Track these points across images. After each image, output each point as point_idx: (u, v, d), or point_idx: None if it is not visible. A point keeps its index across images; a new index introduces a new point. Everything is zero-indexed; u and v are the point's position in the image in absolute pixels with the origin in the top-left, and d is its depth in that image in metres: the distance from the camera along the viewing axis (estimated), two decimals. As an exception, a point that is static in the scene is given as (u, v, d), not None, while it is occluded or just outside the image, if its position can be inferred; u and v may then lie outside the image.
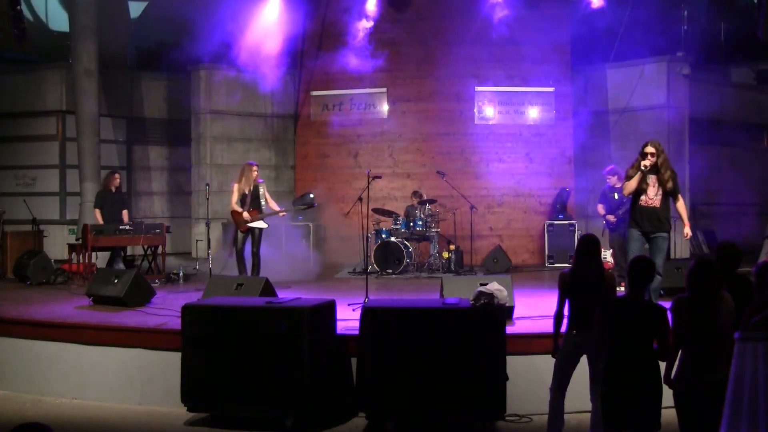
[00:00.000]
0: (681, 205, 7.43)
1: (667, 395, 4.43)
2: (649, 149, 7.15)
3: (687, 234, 7.49)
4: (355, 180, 13.57)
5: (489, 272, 11.49)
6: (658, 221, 7.21)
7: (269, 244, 13.19)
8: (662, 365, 4.46)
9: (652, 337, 4.39)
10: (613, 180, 9.68)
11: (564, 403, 5.22)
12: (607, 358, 4.51)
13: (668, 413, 4.52)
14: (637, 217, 7.23)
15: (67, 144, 14.04)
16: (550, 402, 5.23)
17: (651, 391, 4.34)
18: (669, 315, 4.46)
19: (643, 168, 7.10)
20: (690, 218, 13.56)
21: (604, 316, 4.52)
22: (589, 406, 5.18)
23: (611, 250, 10.23)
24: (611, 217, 9.58)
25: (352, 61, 13.55)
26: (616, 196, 9.61)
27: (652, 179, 7.17)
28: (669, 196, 7.22)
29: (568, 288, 5.18)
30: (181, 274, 11.13)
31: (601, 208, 9.80)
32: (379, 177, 11.43)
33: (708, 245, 13.64)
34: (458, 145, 13.90)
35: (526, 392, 6.06)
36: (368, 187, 9.12)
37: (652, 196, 7.17)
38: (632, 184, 7.17)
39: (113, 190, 11.30)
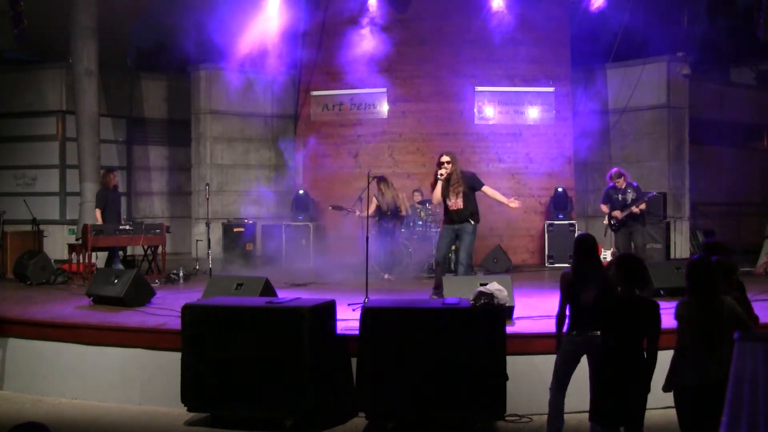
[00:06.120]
0: (488, 190, 8.43)
1: (667, 395, 4.44)
2: (445, 159, 8.19)
3: (515, 204, 8.52)
4: (355, 180, 13.56)
5: (489, 272, 11.50)
6: (463, 218, 8.23)
7: (270, 243, 13.25)
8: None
9: (643, 333, 4.40)
10: (619, 182, 9.69)
11: (564, 402, 5.22)
12: (599, 355, 4.54)
13: (668, 413, 4.53)
14: (447, 216, 8.32)
15: (67, 144, 14.03)
16: (550, 402, 5.23)
17: (640, 388, 4.35)
18: (671, 314, 4.46)
19: (439, 177, 8.12)
20: (689, 218, 13.78)
21: (600, 313, 4.55)
22: (588, 405, 5.17)
23: (612, 249, 10.24)
24: (617, 213, 9.58)
25: (353, 61, 13.55)
26: (620, 197, 9.62)
27: (451, 188, 8.16)
28: (470, 193, 8.22)
29: (569, 288, 5.18)
30: (181, 274, 11.13)
31: (605, 208, 9.81)
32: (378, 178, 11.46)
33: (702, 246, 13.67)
34: (458, 145, 13.87)
35: (526, 392, 6.06)
36: (368, 186, 9.13)
37: (454, 200, 8.18)
38: (437, 193, 8.21)
39: (112, 188, 11.31)
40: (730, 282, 4.63)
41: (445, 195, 8.22)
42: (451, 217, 8.26)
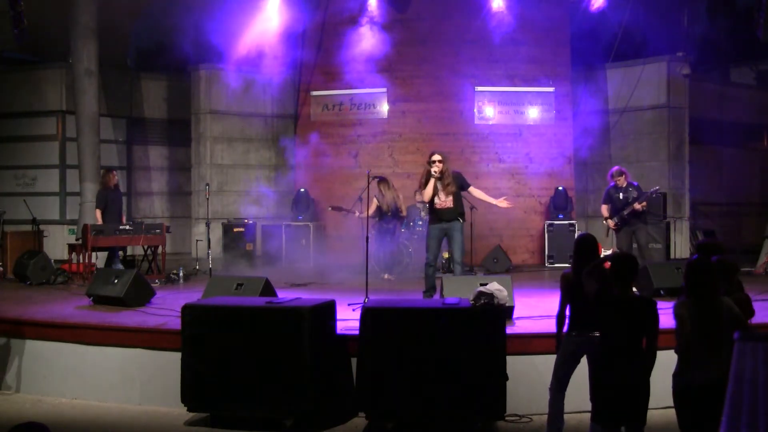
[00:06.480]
0: (475, 191, 8.59)
1: (667, 395, 4.44)
2: (437, 157, 8.25)
3: (505, 204, 8.66)
4: (355, 180, 13.56)
5: (489, 272, 11.50)
6: (453, 217, 8.27)
7: (271, 243, 13.25)
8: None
9: (642, 332, 4.40)
10: (620, 180, 9.70)
11: (564, 403, 5.22)
12: (597, 355, 4.54)
13: (667, 413, 4.52)
14: (435, 215, 8.33)
15: (67, 144, 14.03)
16: (549, 402, 5.23)
17: (640, 386, 4.35)
18: (665, 313, 4.47)
19: (434, 174, 8.17)
20: (689, 218, 13.79)
21: (598, 313, 4.55)
22: (588, 405, 5.17)
23: (612, 249, 10.24)
24: (611, 222, 9.62)
25: (353, 61, 13.55)
26: (621, 196, 9.63)
27: (439, 186, 8.22)
28: (459, 193, 8.35)
29: (569, 288, 5.18)
30: (181, 274, 11.13)
31: (605, 209, 9.81)
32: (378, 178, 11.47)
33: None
34: (458, 145, 13.89)
35: (526, 392, 6.06)
36: (368, 187, 9.13)
37: (444, 199, 8.23)
38: (429, 191, 8.24)
39: (113, 187, 11.31)
40: (732, 282, 4.61)
41: (434, 193, 8.26)
42: (439, 215, 8.28)
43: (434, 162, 8.24)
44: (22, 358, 7.17)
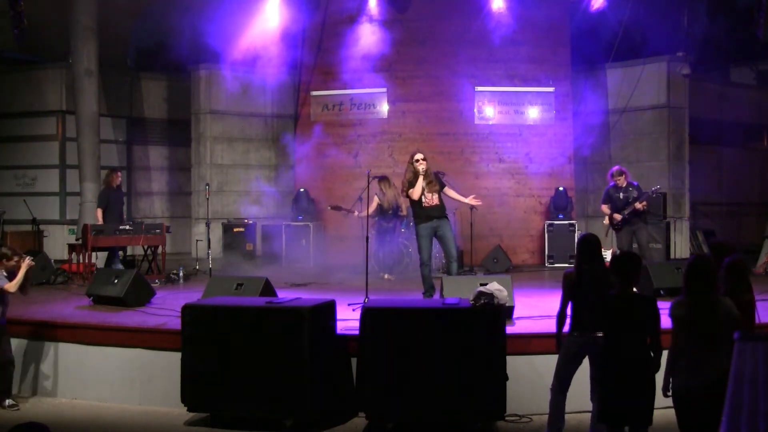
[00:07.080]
0: (449, 191, 8.71)
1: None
2: (420, 156, 8.44)
3: (476, 202, 8.96)
4: (355, 180, 13.55)
5: (489, 272, 11.49)
6: (441, 214, 8.43)
7: (271, 243, 13.25)
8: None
9: (643, 331, 4.40)
10: (620, 180, 9.70)
11: (565, 403, 5.22)
12: (600, 356, 4.54)
13: (668, 413, 4.52)
14: (423, 214, 8.38)
15: (67, 144, 14.02)
16: (550, 402, 5.23)
17: (645, 385, 4.35)
18: (665, 312, 4.46)
19: (421, 172, 8.33)
20: (689, 218, 13.79)
21: (598, 313, 4.55)
22: (589, 406, 5.18)
23: (612, 249, 10.24)
24: (617, 216, 9.59)
25: (352, 61, 13.55)
26: (621, 196, 9.64)
27: (424, 184, 8.36)
28: (440, 192, 8.48)
29: (571, 288, 5.17)
30: (181, 274, 11.13)
31: (606, 208, 9.81)
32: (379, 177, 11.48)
33: (708, 245, 13.66)
34: (458, 145, 13.89)
35: (526, 392, 6.07)
36: (368, 186, 9.14)
37: (430, 197, 8.37)
38: (418, 189, 8.33)
39: (115, 187, 11.31)
40: (741, 283, 4.55)
41: (421, 192, 8.38)
42: (428, 214, 8.37)
43: (418, 161, 8.39)
44: (22, 358, 7.17)
